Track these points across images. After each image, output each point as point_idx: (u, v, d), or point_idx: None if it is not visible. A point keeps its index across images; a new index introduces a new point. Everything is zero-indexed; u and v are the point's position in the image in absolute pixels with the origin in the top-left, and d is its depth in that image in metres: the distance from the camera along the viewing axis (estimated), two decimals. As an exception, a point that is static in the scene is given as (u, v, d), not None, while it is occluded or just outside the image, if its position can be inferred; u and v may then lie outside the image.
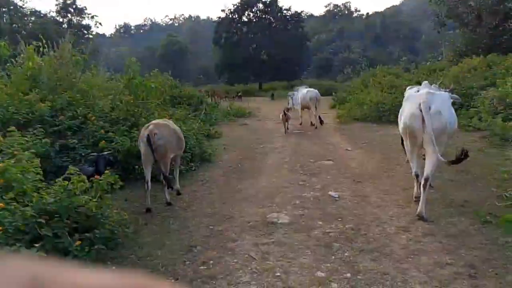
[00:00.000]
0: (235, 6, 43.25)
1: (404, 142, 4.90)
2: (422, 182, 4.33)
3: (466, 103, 10.31)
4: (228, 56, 41.94)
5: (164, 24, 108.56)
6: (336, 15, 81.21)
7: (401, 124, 4.85)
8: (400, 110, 4.99)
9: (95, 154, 5.03)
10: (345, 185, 5.85)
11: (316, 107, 12.33)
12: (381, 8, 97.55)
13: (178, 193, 5.59)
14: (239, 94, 28.01)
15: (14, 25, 33.30)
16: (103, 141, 6.23)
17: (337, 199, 5.18)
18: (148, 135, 4.90)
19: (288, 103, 13.80)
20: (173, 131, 5.38)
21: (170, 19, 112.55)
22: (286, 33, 42.47)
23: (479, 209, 4.42)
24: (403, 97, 10.09)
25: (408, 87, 9.88)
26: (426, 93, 4.42)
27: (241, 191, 5.71)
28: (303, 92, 12.70)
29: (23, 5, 35.62)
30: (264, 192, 5.59)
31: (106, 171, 4.25)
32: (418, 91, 4.96)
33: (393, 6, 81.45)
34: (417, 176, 4.69)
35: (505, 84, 10.20)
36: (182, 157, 6.35)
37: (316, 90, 12.90)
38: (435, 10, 20.77)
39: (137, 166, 5.98)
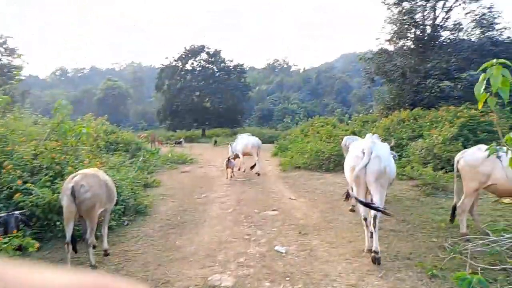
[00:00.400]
0: (179, 55, 43.88)
1: (352, 188, 4.91)
2: (372, 221, 4.49)
3: (398, 153, 10.94)
4: (171, 102, 41.74)
5: (104, 69, 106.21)
6: (276, 68, 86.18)
7: (347, 168, 5.01)
8: (346, 157, 5.15)
9: (3, 215, 4.25)
10: (291, 238, 5.59)
11: (257, 154, 12.31)
12: (316, 64, 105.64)
13: (106, 254, 4.88)
14: (180, 140, 27.55)
15: None
16: (19, 193, 5.42)
17: (284, 254, 4.87)
18: (73, 187, 4.30)
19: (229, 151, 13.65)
20: (103, 182, 4.80)
21: (112, 64, 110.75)
22: (229, 83, 43.67)
23: (424, 261, 4.39)
24: (341, 147, 10.60)
25: (346, 137, 10.38)
26: (371, 141, 4.79)
27: (180, 249, 5.16)
28: (245, 139, 12.69)
29: None
30: (205, 249, 5.11)
31: (17, 233, 3.57)
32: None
33: (326, 62, 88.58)
34: (365, 219, 4.77)
35: (430, 136, 11.09)
36: (113, 210, 5.70)
37: (257, 138, 12.95)
38: (365, 67, 22.66)
39: (58, 223, 5.21)
